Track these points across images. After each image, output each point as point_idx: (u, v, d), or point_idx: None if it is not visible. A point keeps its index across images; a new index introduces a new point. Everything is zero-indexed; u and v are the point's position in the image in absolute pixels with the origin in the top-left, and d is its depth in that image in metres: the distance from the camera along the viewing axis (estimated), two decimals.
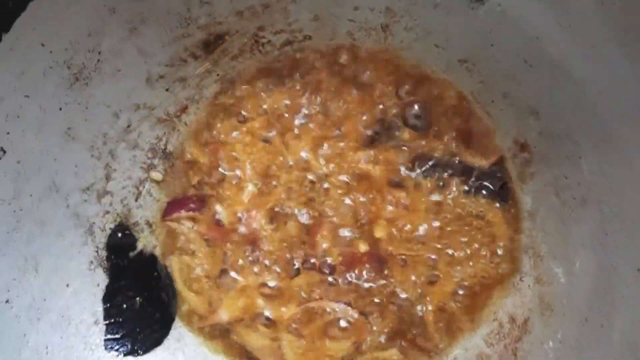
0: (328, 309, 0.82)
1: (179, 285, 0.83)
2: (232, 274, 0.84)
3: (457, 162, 0.83)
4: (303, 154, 0.84)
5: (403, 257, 0.83)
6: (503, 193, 0.83)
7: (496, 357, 0.80)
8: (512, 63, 0.77)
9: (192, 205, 0.83)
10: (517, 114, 0.80)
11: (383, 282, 0.83)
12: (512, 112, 0.81)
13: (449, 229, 0.83)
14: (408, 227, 0.83)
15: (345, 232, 0.83)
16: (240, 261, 0.83)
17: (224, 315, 0.83)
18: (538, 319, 0.79)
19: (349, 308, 0.82)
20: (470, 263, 0.82)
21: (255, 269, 0.83)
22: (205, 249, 0.84)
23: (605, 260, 0.73)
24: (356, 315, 0.82)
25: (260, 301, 0.83)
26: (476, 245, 0.83)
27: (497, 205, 0.83)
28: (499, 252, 0.83)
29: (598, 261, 0.74)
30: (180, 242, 0.84)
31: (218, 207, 0.84)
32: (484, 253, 0.83)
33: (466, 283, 0.82)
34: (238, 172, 0.84)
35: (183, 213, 0.83)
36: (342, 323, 0.83)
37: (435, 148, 0.83)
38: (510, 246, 0.83)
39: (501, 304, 0.82)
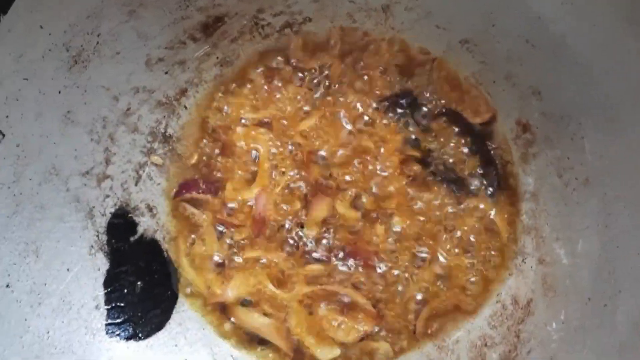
0: (342, 294, 0.82)
1: (184, 268, 0.83)
2: (239, 257, 0.83)
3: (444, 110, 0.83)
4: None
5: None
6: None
7: (499, 338, 0.80)
8: (514, 43, 0.77)
9: (203, 187, 0.83)
10: (519, 95, 0.80)
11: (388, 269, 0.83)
12: (514, 92, 0.80)
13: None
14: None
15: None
16: (248, 244, 0.83)
17: (230, 292, 0.82)
18: (541, 300, 0.79)
19: (363, 297, 0.82)
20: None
21: (263, 252, 0.83)
22: (213, 233, 0.83)
23: (608, 240, 0.73)
24: (369, 306, 0.82)
25: (268, 283, 0.82)
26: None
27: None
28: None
29: (601, 242, 0.74)
30: (188, 226, 0.84)
31: (228, 191, 0.83)
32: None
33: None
34: (251, 156, 0.84)
35: (194, 194, 0.83)
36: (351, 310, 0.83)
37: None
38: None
39: (503, 286, 0.82)
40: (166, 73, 0.81)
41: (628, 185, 0.71)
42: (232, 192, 0.83)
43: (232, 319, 0.83)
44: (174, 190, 0.84)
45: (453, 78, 0.84)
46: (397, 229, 0.82)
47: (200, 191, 0.83)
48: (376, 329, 0.82)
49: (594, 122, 0.73)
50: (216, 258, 0.84)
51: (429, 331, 0.82)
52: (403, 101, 0.83)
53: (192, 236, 0.84)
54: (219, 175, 0.84)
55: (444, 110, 0.84)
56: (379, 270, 0.82)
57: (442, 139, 0.84)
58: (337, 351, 0.81)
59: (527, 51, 0.76)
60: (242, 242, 0.84)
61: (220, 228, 0.84)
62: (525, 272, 0.81)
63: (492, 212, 0.83)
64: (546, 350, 0.76)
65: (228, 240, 0.84)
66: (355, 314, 0.82)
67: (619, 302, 0.70)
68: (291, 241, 0.83)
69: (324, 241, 0.83)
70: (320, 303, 0.82)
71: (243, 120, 0.84)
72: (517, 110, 0.81)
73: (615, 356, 0.70)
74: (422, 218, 0.83)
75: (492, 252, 0.83)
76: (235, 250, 0.84)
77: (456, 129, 0.84)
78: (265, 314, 0.82)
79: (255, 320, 0.82)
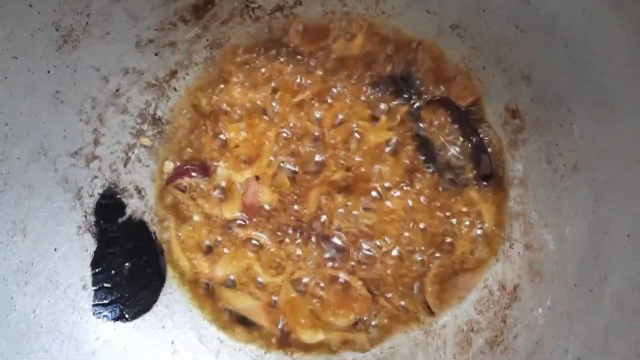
0: (341, 279, 0.82)
1: (172, 250, 0.82)
2: (229, 239, 0.83)
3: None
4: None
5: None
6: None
7: (486, 323, 0.80)
8: (503, 28, 0.77)
9: (194, 174, 0.83)
10: (508, 80, 0.80)
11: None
12: (504, 78, 0.80)
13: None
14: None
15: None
16: (238, 227, 0.83)
17: (219, 272, 0.82)
18: (528, 285, 0.78)
19: (360, 282, 0.82)
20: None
21: (253, 234, 0.83)
22: (203, 216, 0.83)
23: (596, 226, 0.73)
24: (363, 291, 0.82)
25: (256, 267, 0.82)
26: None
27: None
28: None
29: (589, 227, 0.73)
30: (177, 209, 0.84)
31: (219, 174, 0.83)
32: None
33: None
34: (238, 138, 0.84)
35: (187, 179, 0.83)
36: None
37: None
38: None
39: (491, 271, 0.82)
40: (156, 54, 0.81)
41: (617, 171, 0.71)
42: (223, 171, 0.83)
43: (219, 302, 0.83)
44: (167, 177, 0.84)
45: (437, 61, 0.84)
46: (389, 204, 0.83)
47: (192, 176, 0.83)
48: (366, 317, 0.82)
49: (583, 108, 0.73)
50: (205, 241, 0.84)
51: (441, 300, 0.82)
52: (393, 87, 0.83)
53: (181, 219, 0.84)
54: (209, 156, 0.84)
55: (436, 97, 0.83)
56: (369, 253, 0.82)
57: (434, 125, 0.84)
58: (321, 336, 0.81)
59: (517, 36, 0.76)
60: (232, 225, 0.83)
61: (210, 210, 0.84)
62: (512, 257, 0.81)
63: (480, 200, 0.82)
64: (532, 335, 0.76)
65: (216, 222, 0.84)
66: (349, 298, 0.81)
67: (606, 287, 0.70)
68: (284, 225, 0.83)
69: (318, 224, 0.83)
70: (313, 285, 0.82)
71: (239, 112, 0.84)
72: (506, 95, 0.81)
73: (601, 340, 0.70)
74: (411, 203, 0.83)
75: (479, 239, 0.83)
76: (225, 232, 0.83)
77: (449, 119, 0.84)
78: (252, 295, 0.82)
79: (242, 302, 0.82)
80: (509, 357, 0.77)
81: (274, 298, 0.83)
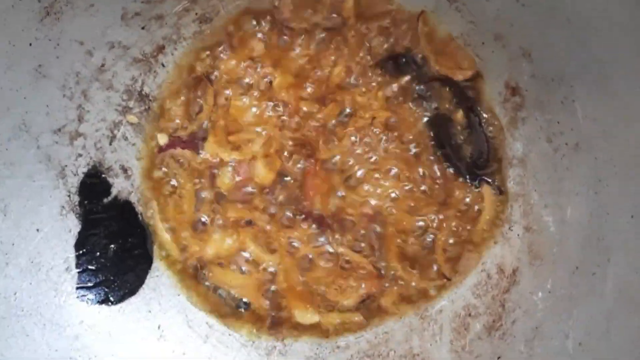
0: (345, 256, 0.80)
1: (159, 231, 0.80)
2: (219, 217, 0.81)
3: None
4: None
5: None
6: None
7: (483, 308, 0.78)
8: (504, 2, 0.74)
9: (184, 141, 0.81)
10: (508, 57, 0.77)
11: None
12: (504, 54, 0.78)
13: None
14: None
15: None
16: (230, 204, 0.81)
17: (210, 250, 0.80)
18: (527, 269, 0.76)
19: (363, 257, 0.80)
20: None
21: (247, 213, 0.81)
22: (192, 193, 0.81)
23: (598, 207, 0.71)
24: (369, 266, 0.79)
25: (249, 244, 0.80)
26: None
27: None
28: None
29: (591, 208, 0.72)
30: (165, 187, 0.81)
31: (209, 144, 0.81)
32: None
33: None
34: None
35: (179, 150, 0.80)
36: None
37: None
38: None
39: (489, 254, 0.80)
40: (143, 28, 0.79)
41: (619, 150, 0.69)
42: (213, 146, 0.80)
43: (207, 282, 0.80)
44: (157, 147, 0.81)
45: (434, 34, 0.81)
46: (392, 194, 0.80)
47: (184, 147, 0.80)
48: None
49: (586, 85, 0.71)
50: (200, 217, 0.81)
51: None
52: (393, 64, 0.80)
53: (169, 197, 0.81)
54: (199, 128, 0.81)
55: (436, 76, 0.81)
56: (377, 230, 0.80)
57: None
58: (315, 317, 0.79)
59: (518, 10, 0.73)
60: (224, 202, 0.81)
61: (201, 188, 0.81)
62: (511, 240, 0.79)
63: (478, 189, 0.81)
64: (532, 320, 0.74)
65: (207, 198, 0.81)
66: (355, 274, 0.79)
67: (608, 270, 0.69)
68: (281, 205, 0.81)
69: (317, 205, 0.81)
70: (317, 262, 0.80)
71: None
72: (506, 72, 0.78)
73: (603, 325, 0.68)
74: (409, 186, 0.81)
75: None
76: (216, 209, 0.81)
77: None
78: (244, 273, 0.80)
79: (234, 279, 0.80)
80: (508, 343, 0.75)
81: (271, 270, 0.80)
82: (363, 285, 0.79)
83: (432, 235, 0.80)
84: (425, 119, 0.81)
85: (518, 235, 0.78)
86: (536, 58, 0.75)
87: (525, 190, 0.78)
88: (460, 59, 0.80)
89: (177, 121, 0.81)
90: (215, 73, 0.81)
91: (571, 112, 0.73)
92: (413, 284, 0.80)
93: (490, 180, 0.80)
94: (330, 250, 0.80)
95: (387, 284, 0.80)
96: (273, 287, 0.80)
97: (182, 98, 0.81)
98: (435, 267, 0.80)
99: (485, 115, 0.80)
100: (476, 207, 0.81)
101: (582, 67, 0.71)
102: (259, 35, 0.81)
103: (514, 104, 0.79)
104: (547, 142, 0.76)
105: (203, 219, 0.81)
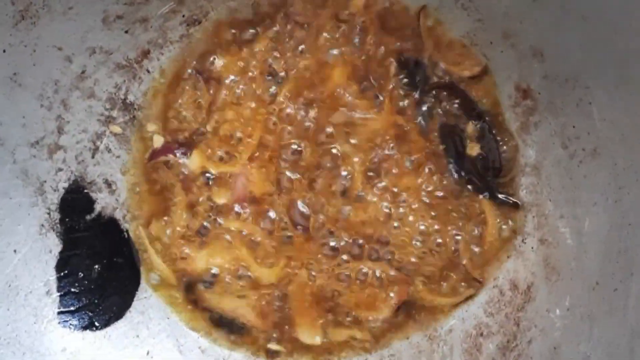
0: (365, 269, 0.75)
1: (148, 252, 0.75)
2: (215, 228, 0.76)
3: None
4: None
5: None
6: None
7: (496, 327, 0.73)
8: None
9: (177, 151, 0.76)
10: (518, 57, 0.73)
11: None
12: (513, 54, 0.74)
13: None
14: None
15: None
16: (226, 214, 0.77)
17: (200, 262, 0.75)
18: (543, 284, 0.72)
19: (388, 265, 0.75)
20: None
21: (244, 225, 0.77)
22: (184, 203, 0.76)
23: (618, 217, 0.67)
24: (393, 272, 0.75)
25: (245, 254, 0.75)
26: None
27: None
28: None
29: (610, 219, 0.68)
30: (154, 200, 0.77)
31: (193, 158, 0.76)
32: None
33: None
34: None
35: (171, 157, 0.76)
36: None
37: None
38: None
39: (501, 269, 0.75)
40: (126, 32, 0.74)
41: None
42: (198, 159, 0.76)
43: (201, 305, 0.76)
44: (147, 155, 0.77)
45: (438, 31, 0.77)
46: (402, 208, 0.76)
47: (176, 154, 0.76)
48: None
49: (603, 86, 0.67)
50: (190, 232, 0.77)
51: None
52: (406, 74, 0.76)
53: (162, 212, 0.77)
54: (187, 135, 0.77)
55: (442, 81, 0.77)
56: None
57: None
58: (317, 339, 0.75)
59: (528, 7, 0.70)
60: (221, 213, 0.76)
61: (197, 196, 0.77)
62: (525, 253, 0.74)
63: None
64: (549, 340, 0.70)
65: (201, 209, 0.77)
66: (381, 284, 0.75)
67: (631, 285, 0.65)
68: (281, 215, 0.76)
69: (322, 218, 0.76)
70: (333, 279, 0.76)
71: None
72: (516, 73, 0.74)
73: (625, 346, 0.64)
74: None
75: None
76: (212, 221, 0.76)
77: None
78: (239, 295, 0.76)
79: (228, 302, 0.75)
80: None
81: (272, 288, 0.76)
82: (392, 295, 0.75)
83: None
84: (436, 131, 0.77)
85: (532, 248, 0.74)
86: (548, 58, 0.71)
87: (539, 200, 0.74)
88: (467, 58, 0.76)
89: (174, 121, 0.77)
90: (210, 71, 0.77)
91: (587, 115, 0.69)
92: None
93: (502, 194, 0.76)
94: (347, 272, 0.76)
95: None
96: (277, 304, 0.76)
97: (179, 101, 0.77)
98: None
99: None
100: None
101: (599, 67, 0.67)
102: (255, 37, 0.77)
103: (526, 107, 0.75)
104: (562, 148, 0.72)
105: (200, 231, 0.77)
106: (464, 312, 0.75)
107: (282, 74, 0.77)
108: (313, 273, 0.76)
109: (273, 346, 0.76)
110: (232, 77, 0.77)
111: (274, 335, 0.76)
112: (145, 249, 0.76)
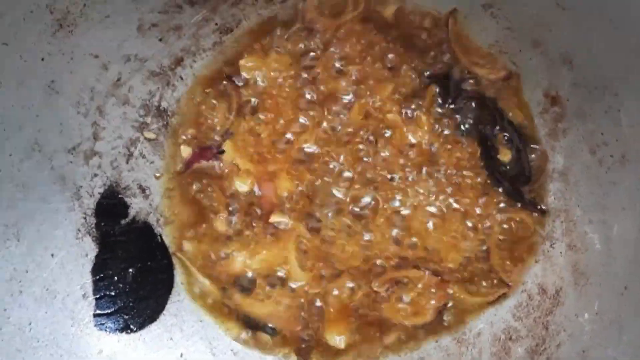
0: (405, 279, 0.76)
1: (191, 270, 0.76)
2: (252, 231, 0.77)
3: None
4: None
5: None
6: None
7: (525, 331, 0.74)
8: (542, 6, 0.71)
9: (212, 154, 0.77)
10: (547, 64, 0.74)
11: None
12: (543, 61, 0.74)
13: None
14: None
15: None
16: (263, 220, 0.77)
17: (238, 264, 0.76)
18: (572, 289, 0.72)
19: (425, 272, 0.75)
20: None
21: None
22: (223, 208, 0.77)
23: None
24: (433, 276, 0.76)
25: (294, 261, 0.76)
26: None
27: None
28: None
29: (639, 224, 0.68)
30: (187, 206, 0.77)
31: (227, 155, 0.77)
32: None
33: None
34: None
35: (204, 163, 0.76)
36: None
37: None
38: None
39: (529, 274, 0.76)
40: (160, 40, 0.75)
41: None
42: (231, 150, 0.76)
43: (234, 309, 0.76)
44: (183, 164, 0.77)
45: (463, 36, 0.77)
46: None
47: (209, 158, 0.77)
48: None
49: (632, 93, 0.67)
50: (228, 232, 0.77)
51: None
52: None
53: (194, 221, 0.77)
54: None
55: (471, 94, 0.77)
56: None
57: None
58: (342, 344, 0.75)
59: (557, 14, 0.70)
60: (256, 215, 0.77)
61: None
62: (553, 258, 0.75)
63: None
64: (578, 344, 0.70)
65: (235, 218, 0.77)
66: (420, 290, 0.76)
67: None
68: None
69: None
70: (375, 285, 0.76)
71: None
72: (545, 80, 0.74)
73: None
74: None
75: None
76: (249, 223, 0.77)
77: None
78: (274, 299, 0.76)
79: (262, 307, 0.76)
80: None
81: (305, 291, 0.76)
82: (433, 302, 0.76)
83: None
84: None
85: (561, 253, 0.74)
86: (577, 65, 0.72)
87: (568, 206, 0.75)
88: (492, 60, 0.77)
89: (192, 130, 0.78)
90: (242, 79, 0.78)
91: (616, 122, 0.69)
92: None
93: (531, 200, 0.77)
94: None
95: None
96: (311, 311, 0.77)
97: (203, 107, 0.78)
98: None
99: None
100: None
101: (628, 74, 0.67)
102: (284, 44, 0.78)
103: (554, 114, 0.75)
104: (591, 154, 0.72)
105: (235, 230, 0.77)
106: (492, 316, 0.75)
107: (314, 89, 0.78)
108: (351, 285, 0.77)
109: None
110: (262, 83, 0.78)
111: (305, 337, 0.77)
112: (189, 271, 0.76)
